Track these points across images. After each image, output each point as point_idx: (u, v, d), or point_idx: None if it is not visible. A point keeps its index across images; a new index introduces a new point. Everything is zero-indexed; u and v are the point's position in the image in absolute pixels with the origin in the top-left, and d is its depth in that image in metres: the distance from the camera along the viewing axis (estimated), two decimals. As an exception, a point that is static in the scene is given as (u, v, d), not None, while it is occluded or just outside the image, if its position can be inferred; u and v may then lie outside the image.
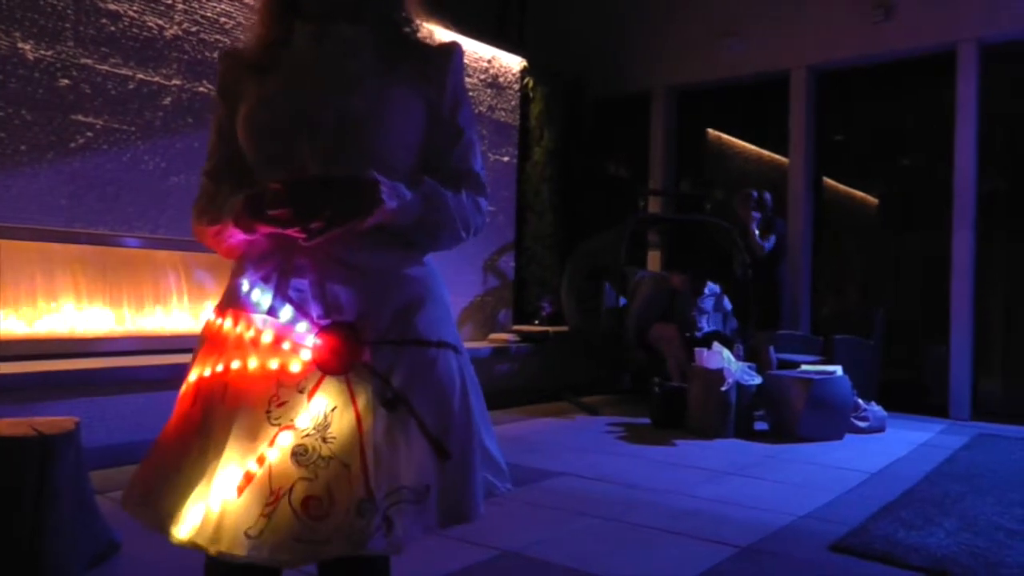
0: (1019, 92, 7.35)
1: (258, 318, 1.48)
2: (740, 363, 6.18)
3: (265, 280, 1.51)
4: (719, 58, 8.57)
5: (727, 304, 7.58)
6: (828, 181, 8.42)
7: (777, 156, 8.62)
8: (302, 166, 1.48)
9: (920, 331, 7.74)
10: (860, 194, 8.53)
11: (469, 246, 7.94)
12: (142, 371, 4.70)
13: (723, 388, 5.92)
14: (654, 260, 9.07)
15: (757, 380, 6.16)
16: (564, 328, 7.88)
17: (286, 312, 1.47)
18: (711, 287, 7.60)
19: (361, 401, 1.40)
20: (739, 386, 6.03)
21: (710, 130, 9.22)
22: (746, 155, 9.10)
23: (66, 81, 4.96)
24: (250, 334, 1.47)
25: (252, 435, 1.38)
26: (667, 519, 3.82)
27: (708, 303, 7.58)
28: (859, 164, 8.42)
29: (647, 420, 6.51)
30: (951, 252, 7.30)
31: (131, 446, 4.42)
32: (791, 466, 5.08)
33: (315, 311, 1.46)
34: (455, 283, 7.56)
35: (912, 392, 7.56)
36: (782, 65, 8.25)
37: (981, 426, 6.77)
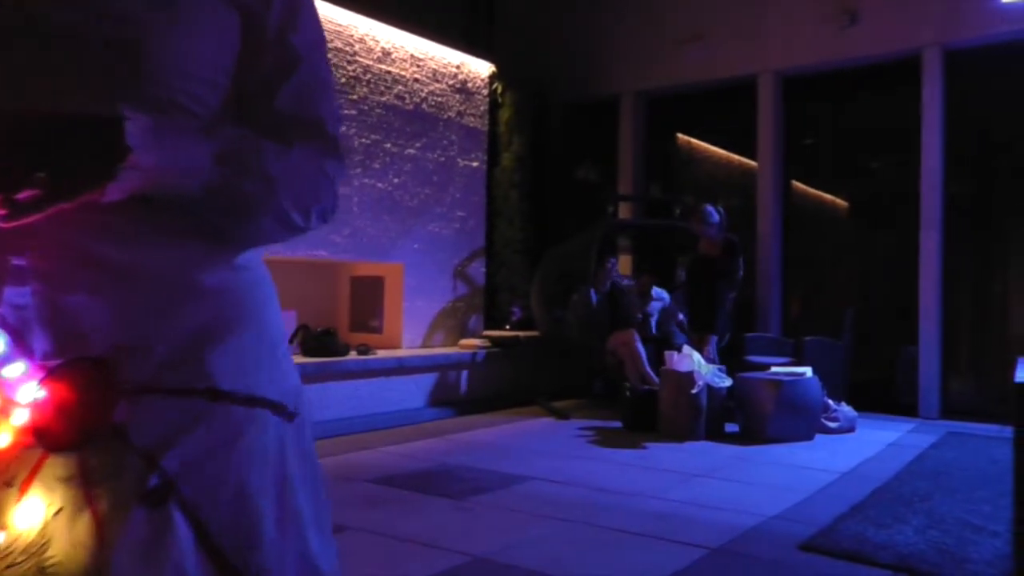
0: (983, 96, 7.44)
1: None
2: (710, 366, 6.20)
3: None
4: (687, 63, 8.60)
5: (679, 314, 7.60)
6: (797, 185, 8.48)
7: (746, 160, 8.67)
8: (25, 100, 0.92)
9: (889, 332, 7.80)
10: (829, 197, 8.59)
11: (440, 251, 7.91)
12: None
13: (693, 391, 5.93)
14: (624, 265, 9.09)
15: (727, 383, 6.17)
16: (535, 333, 7.87)
17: None
18: (657, 292, 7.69)
19: (105, 498, 0.86)
20: (709, 389, 6.04)
21: (679, 135, 9.26)
22: (715, 160, 9.14)
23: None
24: None
25: None
26: (637, 522, 3.80)
27: (654, 307, 7.66)
28: (828, 168, 8.48)
29: (618, 424, 6.50)
30: (919, 253, 7.36)
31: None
32: (761, 467, 5.09)
33: (41, 343, 0.91)
34: (425, 290, 7.54)
35: (882, 392, 7.61)
36: (750, 70, 8.29)
37: (950, 425, 6.82)
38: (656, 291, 7.79)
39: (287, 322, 6.90)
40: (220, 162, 0.94)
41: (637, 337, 6.89)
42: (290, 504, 1.00)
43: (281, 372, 1.04)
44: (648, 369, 6.65)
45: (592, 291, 7.31)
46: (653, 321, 7.56)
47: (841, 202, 8.51)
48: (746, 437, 6.02)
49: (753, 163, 8.45)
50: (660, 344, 6.87)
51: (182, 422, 0.92)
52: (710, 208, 7.21)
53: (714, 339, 6.92)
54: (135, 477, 0.87)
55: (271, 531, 0.96)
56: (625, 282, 8.00)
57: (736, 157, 8.90)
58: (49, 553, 0.84)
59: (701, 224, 7.16)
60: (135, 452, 0.89)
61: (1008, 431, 4.12)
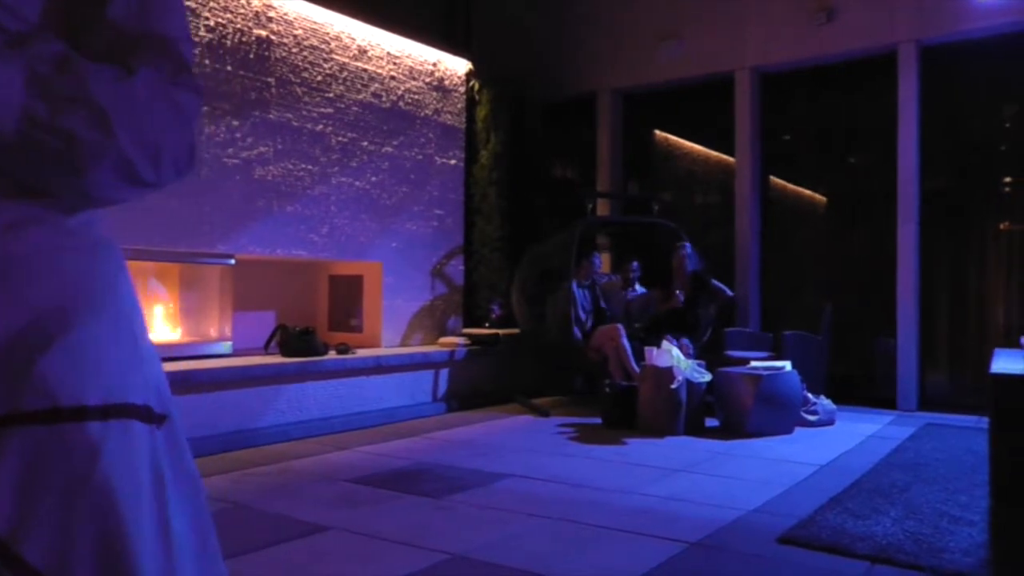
0: (958, 91, 7.49)
1: None
2: (689, 361, 6.20)
3: None
4: (664, 60, 8.61)
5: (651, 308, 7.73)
6: (775, 180, 8.50)
7: (724, 156, 8.69)
8: None
9: (868, 325, 7.84)
10: (808, 192, 8.62)
11: (418, 249, 7.94)
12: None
13: (673, 386, 5.94)
14: (604, 261, 9.09)
15: (707, 377, 6.18)
16: (514, 331, 7.86)
17: None
18: (640, 289, 7.80)
19: None
20: (689, 384, 6.04)
21: (657, 132, 9.27)
22: (693, 156, 9.15)
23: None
24: None
25: None
26: (617, 517, 3.80)
27: (638, 299, 7.74)
28: (805, 163, 8.51)
29: (598, 420, 6.50)
30: (896, 247, 7.41)
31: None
32: (741, 461, 5.10)
33: None
34: (404, 288, 7.51)
35: (861, 385, 7.66)
36: (727, 67, 8.31)
37: (928, 416, 6.87)
38: (639, 288, 7.86)
39: (266, 323, 6.89)
40: (32, 90, 0.70)
41: (623, 332, 6.90)
42: (170, 534, 0.79)
43: (144, 365, 0.81)
44: (634, 364, 6.65)
45: (575, 285, 7.30)
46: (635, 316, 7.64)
47: (819, 197, 8.54)
48: (726, 432, 6.04)
49: (731, 159, 8.48)
50: (644, 341, 6.89)
51: (8, 462, 0.68)
52: (685, 244, 7.48)
53: (686, 340, 6.99)
54: None
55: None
56: (605, 279, 8.04)
57: (714, 153, 8.92)
58: None
59: (684, 261, 7.37)
60: None
61: (985, 422, 4.16)
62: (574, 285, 7.27)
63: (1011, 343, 6.42)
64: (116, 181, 0.76)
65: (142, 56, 0.79)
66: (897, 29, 7.41)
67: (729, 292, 7.48)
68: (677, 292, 7.40)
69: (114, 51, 0.78)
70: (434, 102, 7.88)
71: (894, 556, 3.20)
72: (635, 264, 7.95)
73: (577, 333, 7.17)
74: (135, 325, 0.83)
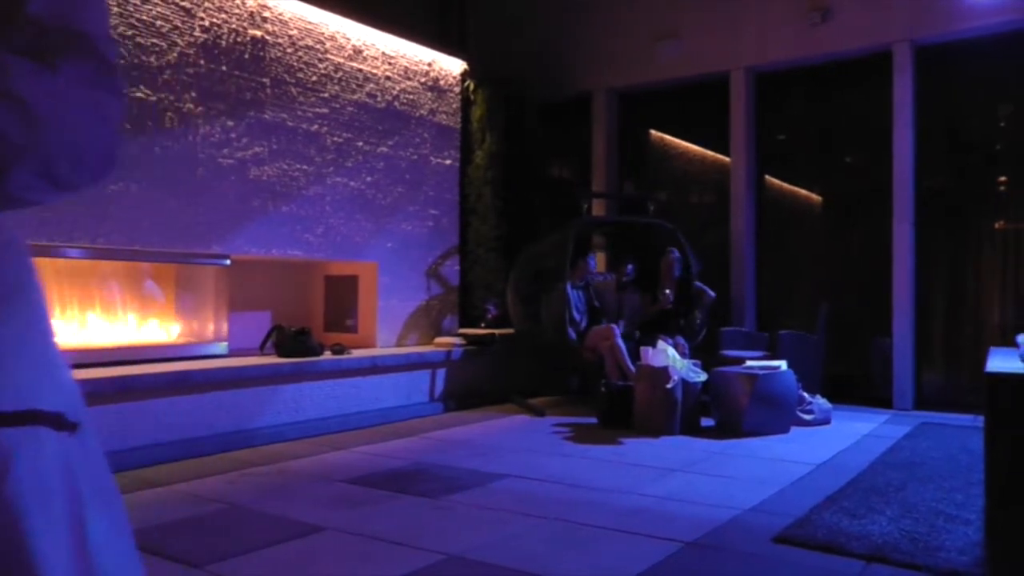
0: (953, 89, 7.50)
1: None
2: (685, 360, 6.20)
3: None
4: (660, 60, 8.61)
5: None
6: (771, 180, 8.51)
7: (720, 156, 8.69)
8: None
9: (863, 324, 7.85)
10: (803, 192, 8.63)
11: (414, 249, 7.92)
12: (85, 384, 4.56)
13: (668, 386, 5.93)
14: (599, 261, 9.09)
15: (703, 377, 6.18)
16: (510, 330, 7.85)
17: None
18: (633, 291, 7.85)
19: None
20: (684, 383, 6.04)
21: (653, 131, 9.27)
22: (689, 156, 9.16)
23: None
24: None
25: None
26: (613, 517, 3.80)
27: (633, 301, 7.78)
28: (801, 163, 8.53)
29: (594, 420, 6.50)
30: (892, 246, 7.42)
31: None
32: (737, 461, 5.10)
33: None
34: (400, 289, 7.51)
35: (856, 384, 7.67)
36: (722, 67, 8.32)
37: (924, 415, 6.88)
38: (632, 289, 7.89)
39: (262, 323, 6.88)
40: None
41: (617, 332, 6.90)
42: (87, 546, 0.76)
43: (56, 371, 0.78)
44: (629, 363, 6.65)
45: (569, 286, 7.30)
46: (627, 317, 7.65)
47: (815, 196, 8.55)
48: (722, 431, 6.04)
49: (726, 158, 8.48)
50: (639, 342, 6.91)
51: None
52: (673, 249, 7.54)
53: (681, 339, 7.01)
54: None
55: None
56: (599, 278, 8.04)
57: (710, 153, 8.92)
58: None
59: (672, 268, 7.44)
60: None
61: (981, 421, 4.16)
62: (568, 287, 7.27)
63: (1007, 342, 6.42)
64: (36, 182, 0.72)
65: (64, 54, 0.74)
66: (892, 29, 7.42)
67: (711, 293, 7.50)
68: (667, 292, 7.44)
69: (34, 48, 0.73)
70: (429, 102, 7.88)
71: (890, 555, 3.20)
72: (630, 268, 7.95)
73: (572, 334, 7.16)
74: (46, 329, 0.80)
